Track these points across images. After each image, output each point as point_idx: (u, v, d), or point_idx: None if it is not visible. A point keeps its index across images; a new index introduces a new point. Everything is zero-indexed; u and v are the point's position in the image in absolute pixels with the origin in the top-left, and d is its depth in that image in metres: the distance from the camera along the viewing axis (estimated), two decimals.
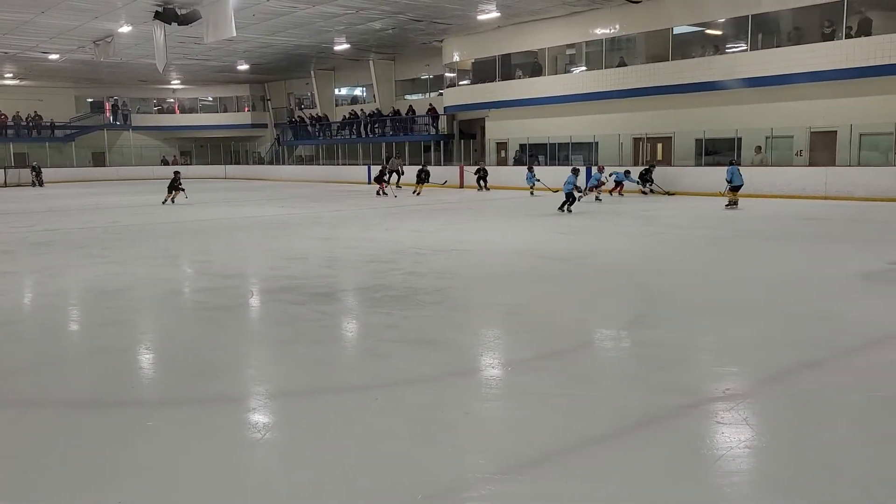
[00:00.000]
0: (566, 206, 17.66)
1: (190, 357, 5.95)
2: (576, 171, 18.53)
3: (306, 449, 4.05)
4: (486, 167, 28.86)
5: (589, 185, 21.92)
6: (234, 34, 22.66)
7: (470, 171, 29.50)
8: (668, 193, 23.00)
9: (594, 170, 22.86)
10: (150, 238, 14.30)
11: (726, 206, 18.24)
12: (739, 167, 18.96)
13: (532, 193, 24.38)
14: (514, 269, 10.23)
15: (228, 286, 9.08)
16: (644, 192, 23.25)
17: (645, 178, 23.28)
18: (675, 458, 3.94)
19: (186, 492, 3.56)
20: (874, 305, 7.53)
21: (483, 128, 32.78)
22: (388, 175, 27.07)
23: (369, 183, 36.18)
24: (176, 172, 23.63)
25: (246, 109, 50.21)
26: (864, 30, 20.36)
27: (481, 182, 28.13)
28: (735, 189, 18.29)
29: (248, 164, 49.19)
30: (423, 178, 26.55)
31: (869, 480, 3.69)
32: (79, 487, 3.65)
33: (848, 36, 20.51)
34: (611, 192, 23.31)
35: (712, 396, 4.96)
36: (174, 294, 8.79)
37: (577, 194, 18.18)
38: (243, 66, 39.07)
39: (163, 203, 22.36)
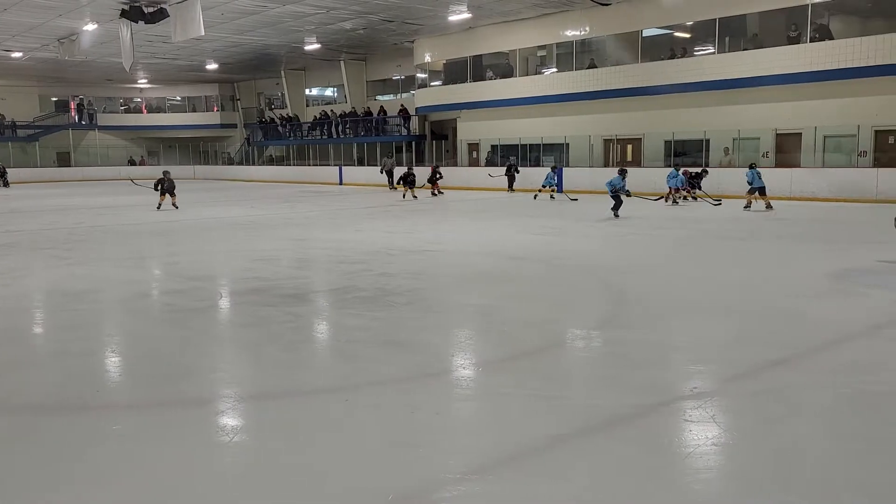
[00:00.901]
0: (615, 210, 16.47)
1: (157, 360, 5.86)
2: (623, 172, 17.09)
3: (276, 451, 4.01)
4: (441, 168, 27.39)
5: (672, 186, 20.18)
6: (203, 33, 22.40)
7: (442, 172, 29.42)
8: (718, 202, 20.05)
9: (675, 171, 20.51)
10: (116, 239, 14.08)
11: (744, 207, 18.00)
12: (758, 169, 18.26)
13: (552, 196, 23.36)
14: (485, 269, 10.24)
15: (196, 288, 8.97)
16: (693, 198, 20.85)
17: (694, 183, 21.01)
18: (643, 457, 3.97)
19: (153, 496, 3.51)
20: (839, 305, 7.68)
21: (455, 129, 32.83)
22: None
23: (340, 184, 36.14)
24: (165, 172, 21.05)
25: (215, 109, 49.65)
26: (827, 34, 20.80)
27: (431, 183, 26.45)
28: (757, 191, 17.80)
29: (217, 164, 48.67)
30: (410, 181, 25.23)
31: (832, 476, 3.77)
32: (43, 493, 3.57)
33: (812, 40, 20.94)
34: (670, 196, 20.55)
35: (680, 395, 5.01)
36: (141, 296, 8.65)
37: (623, 197, 16.76)
38: (212, 66, 38.65)
39: (158, 208, 20.29)
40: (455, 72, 31.20)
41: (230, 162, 48.75)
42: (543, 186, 23.70)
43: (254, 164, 45.75)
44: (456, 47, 30.61)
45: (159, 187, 20.44)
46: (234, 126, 49.62)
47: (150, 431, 4.32)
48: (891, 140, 20.11)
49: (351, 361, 5.79)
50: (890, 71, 19.06)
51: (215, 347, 6.45)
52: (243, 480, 3.70)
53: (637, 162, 25.62)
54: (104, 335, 6.98)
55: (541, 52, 28.65)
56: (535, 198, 22.93)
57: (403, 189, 25.35)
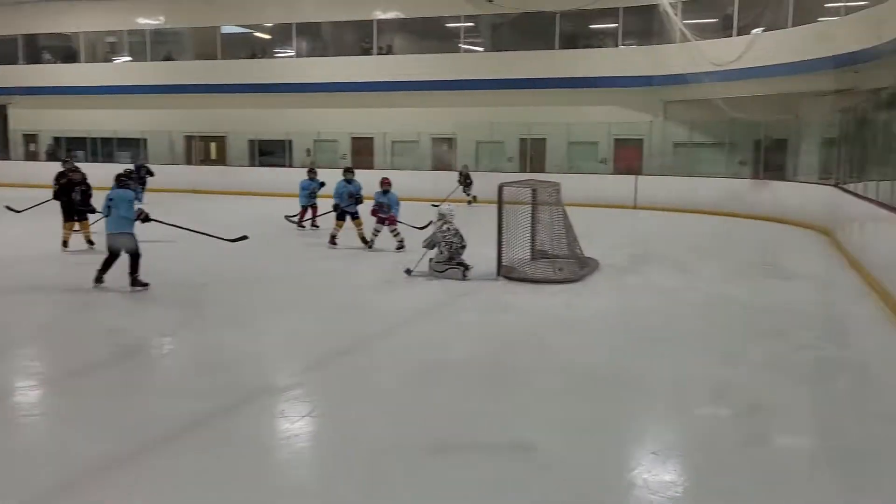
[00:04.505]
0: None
1: None
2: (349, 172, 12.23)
3: None
4: None
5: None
6: None
7: None
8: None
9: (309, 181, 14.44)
10: None
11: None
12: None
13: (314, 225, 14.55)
14: (36, 281, 8.90)
15: None
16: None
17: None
18: (233, 457, 3.90)
19: None
20: (390, 298, 8.43)
21: (6, 117, 28.18)
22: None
23: None
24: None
25: None
26: (392, 49, 23.10)
27: None
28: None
29: None
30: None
31: (395, 436, 4.11)
32: None
33: (379, 52, 22.99)
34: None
35: (266, 391, 4.97)
36: None
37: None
38: None
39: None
40: (3, 52, 26.78)
41: None
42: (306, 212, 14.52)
43: None
44: (3, 23, 26.29)
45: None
46: None
47: None
48: (445, 147, 23.05)
49: None
50: (442, 86, 21.83)
51: None
52: None
53: (222, 161, 25.12)
54: None
55: (110, 38, 26.27)
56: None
57: None
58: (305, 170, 14.86)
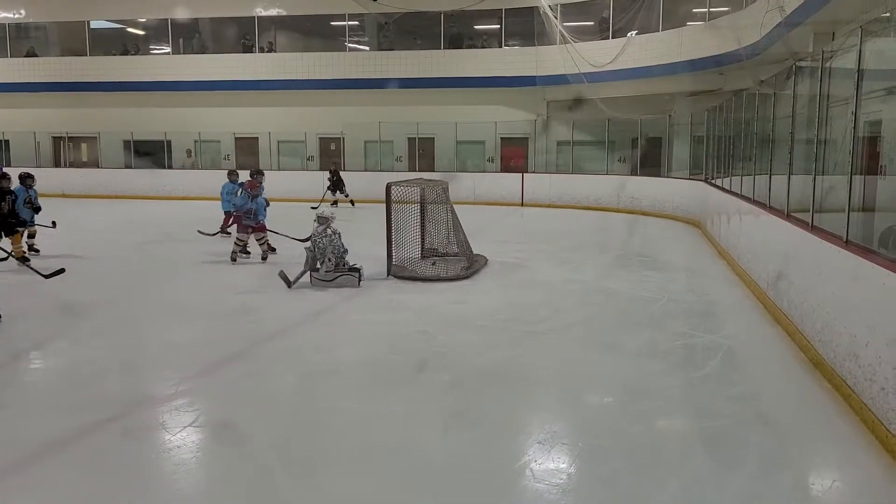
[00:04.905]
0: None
1: None
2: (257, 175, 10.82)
3: None
4: None
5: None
6: None
7: None
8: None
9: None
10: None
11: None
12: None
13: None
14: None
15: None
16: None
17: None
18: (110, 472, 3.75)
19: None
20: (278, 301, 8.24)
21: None
22: None
23: None
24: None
25: None
26: (274, 47, 22.58)
27: None
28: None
29: None
30: None
31: (299, 439, 3.99)
32: None
33: (261, 50, 22.44)
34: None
35: (158, 399, 4.80)
36: None
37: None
38: None
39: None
40: None
41: None
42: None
43: None
44: None
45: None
46: None
47: None
48: (332, 146, 22.78)
49: None
50: (328, 85, 21.58)
51: None
52: None
53: (95, 163, 23.80)
54: None
55: None
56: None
57: None
58: (225, 172, 13.23)
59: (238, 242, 10.27)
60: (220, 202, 12.75)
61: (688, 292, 8.55)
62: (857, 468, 4.00)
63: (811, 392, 5.09)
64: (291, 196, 21.95)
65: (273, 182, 12.59)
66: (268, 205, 10.44)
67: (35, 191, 10.64)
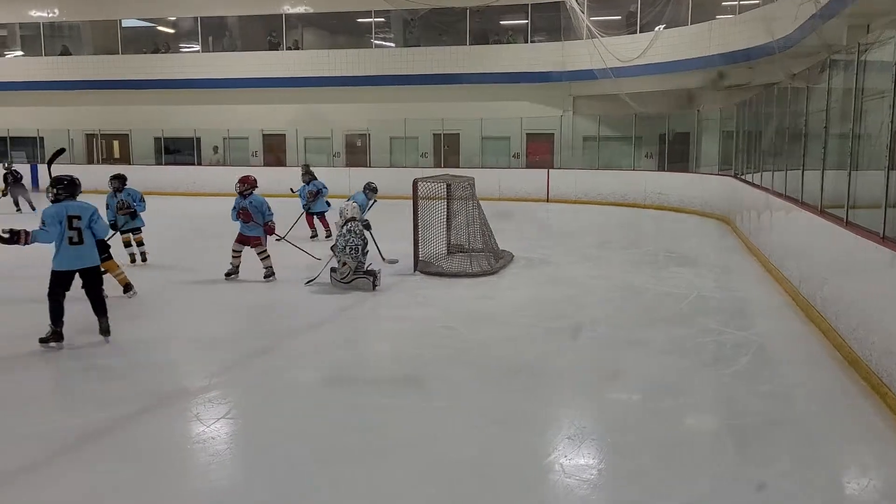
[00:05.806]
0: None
1: None
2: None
3: None
4: None
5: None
6: None
7: None
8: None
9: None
10: None
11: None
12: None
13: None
14: None
15: None
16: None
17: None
18: (147, 463, 3.81)
19: None
20: (306, 296, 8.29)
21: None
22: None
23: None
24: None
25: None
26: (302, 44, 22.70)
27: None
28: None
29: None
30: None
31: (328, 433, 4.05)
32: None
33: (289, 48, 22.57)
34: None
35: (191, 392, 4.85)
36: None
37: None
38: None
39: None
40: None
41: None
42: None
43: None
44: None
45: None
46: None
47: None
48: (358, 143, 22.85)
49: None
50: (354, 82, 21.65)
51: None
52: None
53: (126, 159, 24.14)
54: None
55: (0, 32, 24.82)
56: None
57: None
58: (299, 170, 12.83)
59: (235, 256, 8.79)
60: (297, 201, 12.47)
61: (717, 289, 8.45)
62: (895, 468, 3.93)
63: (845, 390, 5.01)
64: None
65: (298, 179, 12.72)
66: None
67: (128, 192, 9.88)
